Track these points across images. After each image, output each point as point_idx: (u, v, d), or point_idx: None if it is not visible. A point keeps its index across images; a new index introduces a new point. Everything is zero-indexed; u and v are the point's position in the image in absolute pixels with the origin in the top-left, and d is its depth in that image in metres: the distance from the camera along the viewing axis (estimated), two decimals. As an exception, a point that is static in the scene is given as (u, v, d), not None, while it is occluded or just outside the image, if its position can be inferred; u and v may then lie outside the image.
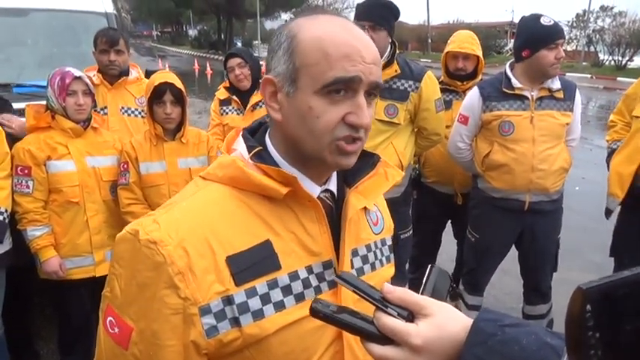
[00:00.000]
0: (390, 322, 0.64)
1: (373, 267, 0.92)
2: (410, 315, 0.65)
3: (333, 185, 0.88)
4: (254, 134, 0.89)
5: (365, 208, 0.93)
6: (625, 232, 2.75)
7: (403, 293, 0.66)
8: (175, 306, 0.71)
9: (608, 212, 2.81)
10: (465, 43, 3.09)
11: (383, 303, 0.65)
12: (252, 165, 0.80)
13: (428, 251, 3.35)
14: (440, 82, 3.05)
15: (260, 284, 0.76)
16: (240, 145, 0.85)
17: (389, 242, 1.01)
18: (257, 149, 0.83)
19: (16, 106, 2.71)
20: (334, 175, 0.89)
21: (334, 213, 0.87)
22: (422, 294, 0.68)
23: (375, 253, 0.94)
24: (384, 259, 0.97)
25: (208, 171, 0.84)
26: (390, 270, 0.99)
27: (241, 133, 0.88)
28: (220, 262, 0.74)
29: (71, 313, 2.51)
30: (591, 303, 0.44)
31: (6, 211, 2.23)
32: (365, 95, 0.78)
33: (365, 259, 0.91)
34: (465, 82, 3.11)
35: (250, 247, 0.77)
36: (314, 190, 0.84)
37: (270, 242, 0.78)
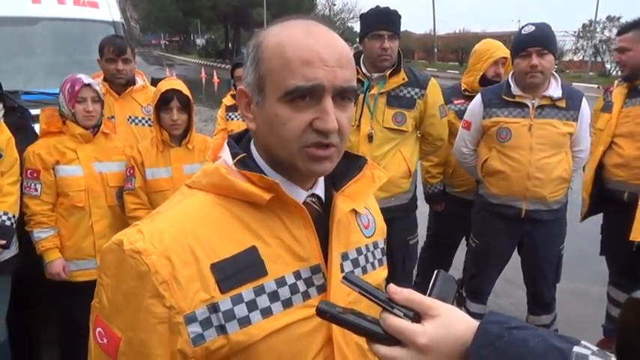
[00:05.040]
0: (397, 322, 0.63)
1: (365, 270, 0.91)
2: (416, 315, 0.64)
3: (320, 189, 0.87)
4: (240, 141, 0.89)
5: (355, 212, 0.92)
6: (606, 229, 3.01)
7: (409, 294, 0.65)
8: (161, 315, 0.71)
9: (582, 215, 3.03)
10: (504, 48, 3.09)
11: (389, 304, 0.65)
12: (235, 172, 0.80)
13: (442, 263, 3.28)
14: (465, 91, 3.14)
15: (246, 291, 0.75)
16: (225, 153, 0.84)
17: (381, 245, 0.99)
18: (241, 156, 0.82)
19: None
20: (321, 179, 0.88)
21: (322, 217, 0.85)
22: None
23: (366, 256, 0.92)
24: (376, 262, 0.95)
25: (193, 179, 0.84)
26: (382, 273, 0.98)
27: (226, 140, 0.88)
28: (205, 270, 0.73)
29: (74, 316, 2.49)
30: None
31: (14, 216, 2.26)
32: (337, 99, 0.77)
33: (356, 263, 0.89)
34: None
35: (235, 253, 0.76)
36: (299, 195, 0.83)
37: (256, 248, 0.77)
